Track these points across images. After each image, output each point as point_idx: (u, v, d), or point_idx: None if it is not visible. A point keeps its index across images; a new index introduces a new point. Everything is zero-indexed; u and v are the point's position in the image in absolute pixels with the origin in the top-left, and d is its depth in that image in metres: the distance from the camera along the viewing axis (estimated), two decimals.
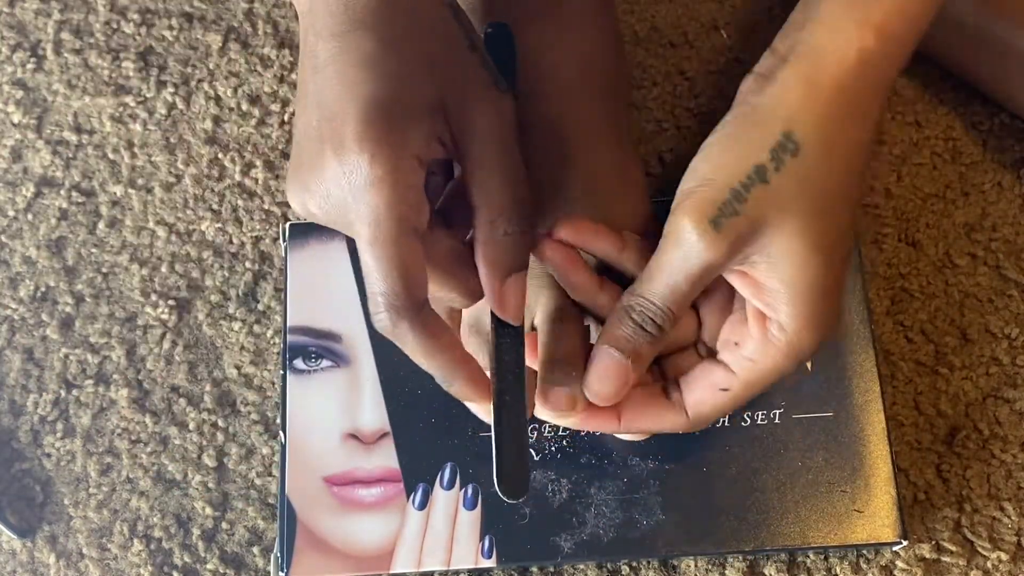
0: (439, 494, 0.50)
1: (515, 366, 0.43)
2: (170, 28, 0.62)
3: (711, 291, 0.44)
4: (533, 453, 0.51)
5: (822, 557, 0.51)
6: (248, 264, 0.57)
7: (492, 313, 0.43)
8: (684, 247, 0.41)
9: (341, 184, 0.38)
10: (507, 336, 0.43)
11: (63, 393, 0.55)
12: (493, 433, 0.42)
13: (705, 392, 0.45)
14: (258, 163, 0.59)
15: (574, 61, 0.51)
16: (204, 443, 0.54)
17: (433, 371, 0.41)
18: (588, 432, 0.51)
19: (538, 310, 0.47)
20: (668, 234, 0.42)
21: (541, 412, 0.45)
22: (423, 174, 0.39)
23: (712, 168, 0.41)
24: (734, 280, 0.44)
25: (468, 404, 0.43)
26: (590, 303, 0.46)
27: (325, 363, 0.53)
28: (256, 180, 0.59)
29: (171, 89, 0.61)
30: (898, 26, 0.42)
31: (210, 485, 0.53)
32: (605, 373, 0.43)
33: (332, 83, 0.39)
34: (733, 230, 0.41)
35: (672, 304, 0.43)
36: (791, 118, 0.41)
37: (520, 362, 0.43)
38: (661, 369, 0.47)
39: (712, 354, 0.46)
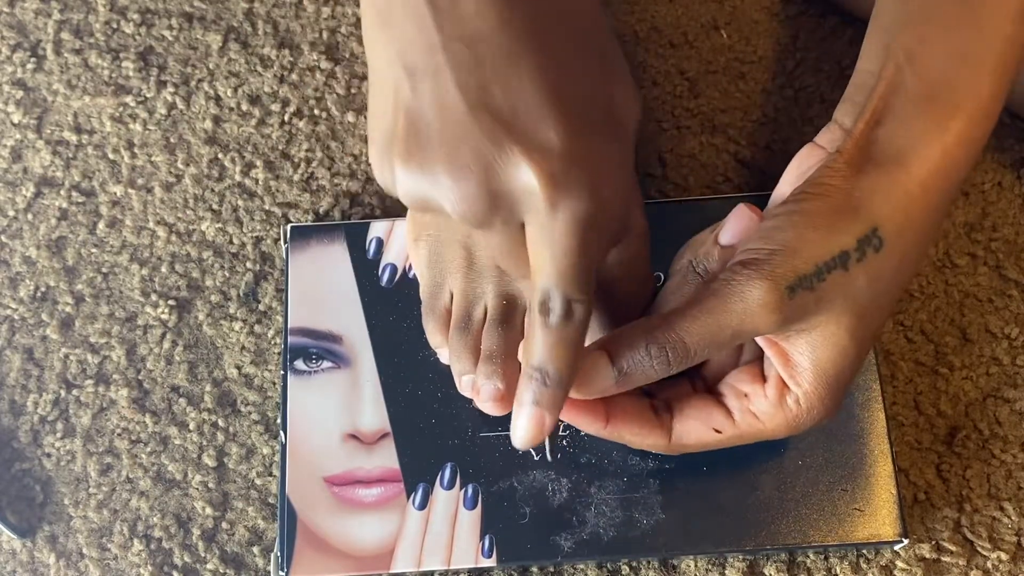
0: (439, 494, 0.50)
1: None
2: (170, 28, 0.62)
3: None
4: (533, 452, 0.51)
5: (822, 557, 0.51)
6: (249, 264, 0.57)
7: None
8: (748, 303, 0.40)
9: (521, 182, 0.39)
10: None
11: (63, 393, 0.55)
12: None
13: (697, 426, 0.45)
14: (258, 163, 0.59)
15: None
16: (204, 443, 0.54)
17: (562, 362, 0.41)
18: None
19: (487, 303, 0.49)
20: (731, 284, 0.41)
21: (480, 403, 0.48)
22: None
23: (796, 239, 0.41)
24: (763, 343, 0.44)
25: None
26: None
27: (326, 364, 0.53)
28: (256, 180, 0.59)
29: (171, 89, 0.61)
30: (978, 125, 0.43)
31: (210, 485, 0.53)
32: (592, 380, 0.43)
33: (508, 71, 0.39)
34: (800, 302, 0.41)
35: (704, 350, 0.42)
36: (881, 214, 0.41)
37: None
38: (647, 388, 0.47)
39: (708, 390, 0.46)
